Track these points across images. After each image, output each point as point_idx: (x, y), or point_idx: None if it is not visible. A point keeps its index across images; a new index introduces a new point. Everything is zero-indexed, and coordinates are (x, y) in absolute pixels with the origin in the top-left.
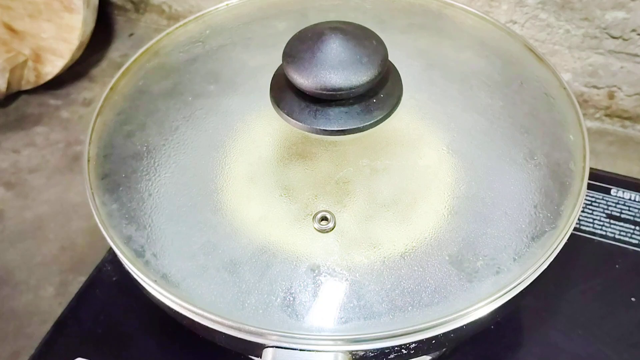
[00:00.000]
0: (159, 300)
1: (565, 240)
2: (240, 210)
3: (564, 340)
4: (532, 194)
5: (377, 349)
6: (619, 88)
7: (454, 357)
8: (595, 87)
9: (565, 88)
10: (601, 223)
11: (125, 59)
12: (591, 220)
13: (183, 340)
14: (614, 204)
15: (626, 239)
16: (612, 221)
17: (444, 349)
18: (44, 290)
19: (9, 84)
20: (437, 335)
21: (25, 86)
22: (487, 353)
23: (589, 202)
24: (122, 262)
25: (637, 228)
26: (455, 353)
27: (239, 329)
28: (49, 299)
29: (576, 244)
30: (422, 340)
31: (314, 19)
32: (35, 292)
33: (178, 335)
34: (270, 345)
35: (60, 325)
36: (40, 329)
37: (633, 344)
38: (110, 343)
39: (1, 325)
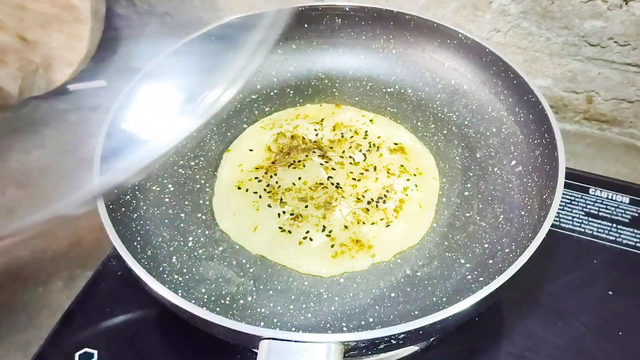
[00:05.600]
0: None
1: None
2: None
3: (544, 331)
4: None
5: (368, 340)
6: (597, 93)
7: (440, 347)
8: (574, 92)
9: None
10: (580, 220)
11: (130, 67)
12: (570, 217)
13: (185, 332)
14: (592, 203)
15: (603, 235)
16: (590, 219)
17: (432, 339)
18: (53, 284)
19: (20, 90)
20: (424, 326)
21: (36, 92)
22: (472, 343)
23: (569, 201)
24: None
25: (614, 225)
26: (442, 344)
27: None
28: (58, 293)
29: (556, 240)
30: (410, 331)
31: None
32: (45, 286)
33: (180, 327)
34: (266, 337)
35: (68, 317)
36: (49, 321)
37: (610, 335)
38: (116, 334)
39: (12, 317)
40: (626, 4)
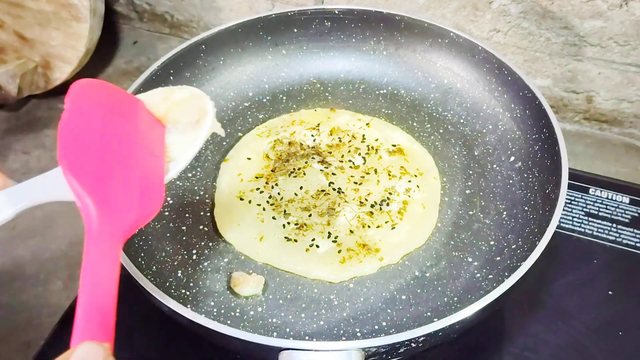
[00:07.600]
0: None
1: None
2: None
3: (544, 331)
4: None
5: (388, 345)
6: (597, 93)
7: (440, 347)
8: (574, 92)
9: None
10: (580, 220)
11: (130, 65)
12: (570, 218)
13: (185, 333)
14: (592, 203)
15: (603, 235)
16: (590, 219)
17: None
18: (53, 284)
19: (19, 89)
20: (443, 328)
21: (35, 91)
22: (472, 343)
23: (569, 201)
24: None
25: (614, 225)
26: (442, 344)
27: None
28: (58, 293)
29: (556, 240)
30: (430, 333)
31: None
32: (45, 286)
33: (180, 328)
34: (286, 347)
35: (69, 317)
36: (49, 321)
37: (610, 335)
38: (116, 335)
39: (12, 317)
40: (626, 4)
